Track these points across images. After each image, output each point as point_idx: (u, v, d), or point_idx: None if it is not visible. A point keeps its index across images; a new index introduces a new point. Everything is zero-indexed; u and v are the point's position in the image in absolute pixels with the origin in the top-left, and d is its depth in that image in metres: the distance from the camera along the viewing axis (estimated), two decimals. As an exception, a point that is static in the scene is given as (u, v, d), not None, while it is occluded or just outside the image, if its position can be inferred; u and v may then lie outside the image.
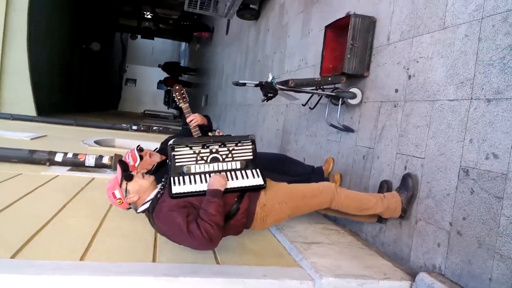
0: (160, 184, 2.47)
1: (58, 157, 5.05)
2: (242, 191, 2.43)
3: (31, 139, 7.72)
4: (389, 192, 2.68)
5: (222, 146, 2.50)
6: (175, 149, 2.44)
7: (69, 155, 5.10)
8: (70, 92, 17.30)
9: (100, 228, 2.80)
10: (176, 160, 2.44)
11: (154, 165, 3.24)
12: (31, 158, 5.00)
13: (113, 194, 2.38)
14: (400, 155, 2.79)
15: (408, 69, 2.80)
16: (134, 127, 11.49)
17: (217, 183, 2.29)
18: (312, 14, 4.67)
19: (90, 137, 8.69)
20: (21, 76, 11.79)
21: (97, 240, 2.57)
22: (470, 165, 2.18)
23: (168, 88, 21.73)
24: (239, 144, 2.52)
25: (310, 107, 3.96)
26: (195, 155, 2.46)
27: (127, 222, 2.94)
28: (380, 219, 2.84)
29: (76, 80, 18.20)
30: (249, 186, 2.43)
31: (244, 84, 3.32)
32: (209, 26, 14.96)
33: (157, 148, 3.61)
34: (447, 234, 2.29)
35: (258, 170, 2.51)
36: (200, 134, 3.22)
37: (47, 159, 5.03)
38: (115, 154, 5.20)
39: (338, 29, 3.55)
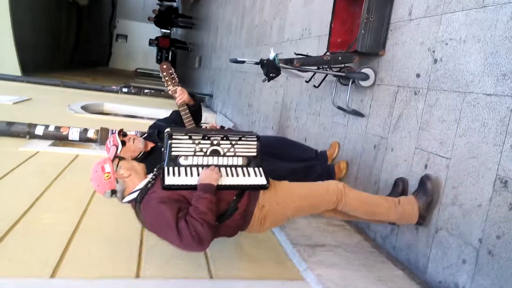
0: (151, 174, 2.17)
1: (39, 130, 4.68)
2: (241, 189, 2.13)
3: (14, 103, 7.27)
4: (404, 197, 2.36)
5: (225, 139, 2.18)
6: (173, 137, 2.12)
7: (51, 128, 4.72)
8: (57, 50, 16.58)
9: (78, 229, 2.48)
10: (173, 149, 2.12)
11: (140, 153, 2.90)
12: (9, 131, 4.63)
13: (102, 167, 2.10)
14: (419, 150, 2.45)
15: (434, 51, 2.41)
16: (124, 90, 11.01)
17: (208, 177, 2.01)
18: (318, -23, 4.19)
19: (77, 101, 8.24)
20: (3, 34, 11.12)
21: (73, 247, 2.25)
22: (509, 175, 1.86)
23: (161, 48, 20.85)
24: (242, 139, 2.20)
25: (314, 85, 3.58)
26: (194, 146, 2.15)
27: (109, 219, 2.63)
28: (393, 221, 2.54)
29: (63, 37, 17.42)
30: (250, 185, 2.13)
31: (243, 62, 2.92)
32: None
33: (145, 134, 3.26)
34: (475, 251, 2.00)
35: (261, 169, 2.19)
36: (189, 114, 2.92)
37: (27, 132, 4.65)
38: (101, 128, 4.82)
39: (350, -1, 3.12)
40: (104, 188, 2.09)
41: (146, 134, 3.21)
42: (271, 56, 2.86)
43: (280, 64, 2.83)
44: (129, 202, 2.09)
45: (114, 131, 4.80)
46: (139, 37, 29.20)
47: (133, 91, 11.02)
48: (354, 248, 2.66)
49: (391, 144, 2.72)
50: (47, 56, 15.25)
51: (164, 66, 2.96)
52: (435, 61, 2.39)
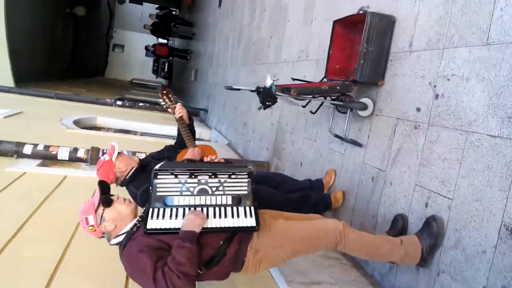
0: (139, 215, 2.06)
1: (27, 149, 4.55)
2: (230, 232, 2.00)
3: (4, 117, 7.14)
4: (407, 237, 2.25)
5: (213, 177, 2.06)
6: (158, 176, 2.01)
7: (40, 147, 4.60)
8: (53, 59, 16.45)
9: (60, 265, 2.35)
10: (158, 189, 2.01)
11: (132, 168, 2.80)
12: (-4, 150, 4.49)
13: (86, 219, 1.98)
14: (420, 188, 2.36)
15: (435, 86, 2.33)
16: (119, 103, 10.88)
17: (191, 223, 1.87)
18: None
19: (70, 115, 8.12)
20: (-3, 43, 11.01)
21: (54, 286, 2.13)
22: (515, 223, 1.77)
23: (158, 56, 20.60)
24: (232, 176, 2.08)
25: (311, 111, 3.49)
26: (180, 185, 2.02)
27: (93, 254, 2.50)
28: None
29: (59, 47, 17.31)
30: (238, 228, 1.99)
31: (238, 90, 2.83)
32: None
33: (135, 154, 3.17)
34: (479, 300, 1.90)
35: (252, 208, 2.06)
36: (187, 127, 3.11)
37: (15, 151, 4.52)
38: (92, 147, 4.70)
39: (348, 25, 3.05)
40: (91, 234, 2.02)
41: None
42: (268, 83, 2.78)
43: (277, 93, 2.75)
44: (116, 244, 1.99)
45: (105, 151, 4.69)
46: (135, 48, 29.21)
47: (127, 104, 10.90)
48: (352, 285, 2.56)
49: (390, 178, 2.63)
50: (42, 65, 15.12)
51: (164, 92, 3.15)
52: (436, 96, 2.31)
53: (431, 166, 2.29)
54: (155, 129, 8.54)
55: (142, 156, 3.87)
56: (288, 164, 4.32)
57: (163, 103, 3.11)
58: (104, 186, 2.10)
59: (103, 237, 2.04)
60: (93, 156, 4.65)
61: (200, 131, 8.30)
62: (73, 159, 4.67)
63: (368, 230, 2.40)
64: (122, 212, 2.01)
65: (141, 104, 11.07)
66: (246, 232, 2.02)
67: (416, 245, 2.18)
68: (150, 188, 2.01)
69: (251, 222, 2.01)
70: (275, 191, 3.06)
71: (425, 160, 2.34)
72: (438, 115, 2.28)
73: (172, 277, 1.71)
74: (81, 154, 4.66)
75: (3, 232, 2.61)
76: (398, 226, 2.44)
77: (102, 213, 1.97)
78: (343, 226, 2.15)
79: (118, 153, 2.78)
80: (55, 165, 4.78)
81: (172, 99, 3.11)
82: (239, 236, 2.01)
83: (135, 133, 8.45)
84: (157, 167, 2.04)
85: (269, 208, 2.83)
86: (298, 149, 4.13)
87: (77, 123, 7.70)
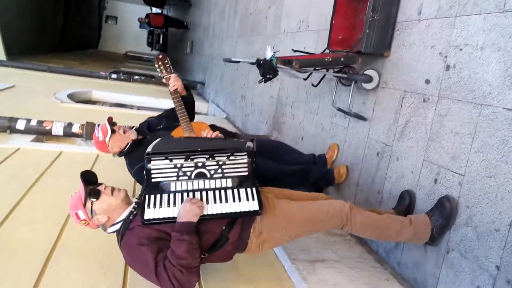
0: (134, 201, 1.96)
1: (20, 125, 4.43)
2: (232, 217, 1.92)
3: (-4, 91, 6.97)
4: (417, 217, 2.17)
5: (211, 159, 1.94)
6: (152, 161, 1.89)
7: (33, 122, 4.47)
8: (44, 32, 16.10)
9: (57, 246, 2.27)
10: (153, 176, 1.90)
11: (127, 143, 2.72)
12: (-12, 125, 4.36)
13: (76, 214, 1.89)
14: (428, 163, 2.27)
15: (446, 56, 2.21)
16: (114, 76, 10.67)
17: (187, 213, 1.78)
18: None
19: (64, 89, 7.94)
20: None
21: (51, 270, 2.05)
22: (532, 201, 1.69)
23: (153, 27, 20.14)
24: (231, 157, 1.96)
25: (312, 84, 3.37)
26: (176, 170, 1.91)
27: (92, 232, 2.41)
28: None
29: (50, 19, 16.90)
30: (240, 213, 1.90)
31: (237, 62, 2.70)
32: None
33: (134, 127, 3.06)
34: (491, 279, 1.84)
35: (254, 189, 1.96)
36: (182, 102, 2.87)
37: (7, 127, 4.40)
38: (87, 122, 4.58)
39: (352, -7, 2.90)
40: (86, 227, 1.95)
41: (135, 128, 3.02)
42: (268, 56, 2.65)
43: (278, 65, 2.62)
44: (113, 232, 1.91)
45: (100, 126, 4.57)
46: (129, 19, 28.56)
47: (122, 77, 10.69)
48: (356, 263, 2.50)
49: (396, 153, 2.54)
50: (33, 39, 14.80)
51: (160, 57, 2.91)
52: (448, 67, 2.19)
53: (441, 141, 2.19)
54: (152, 102, 8.38)
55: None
56: (288, 138, 4.22)
57: (158, 70, 2.91)
58: (88, 177, 1.95)
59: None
60: (88, 131, 4.53)
61: (197, 104, 8.12)
62: (68, 134, 4.56)
63: (375, 209, 2.32)
64: (112, 203, 1.90)
65: (136, 77, 10.87)
66: (248, 216, 1.93)
67: (426, 226, 2.10)
68: (144, 172, 1.90)
69: (254, 205, 1.91)
70: (278, 166, 2.96)
71: (434, 134, 2.25)
72: (449, 87, 2.17)
73: (174, 272, 1.65)
74: (76, 129, 4.55)
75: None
76: (405, 203, 2.37)
77: (91, 206, 1.87)
78: (350, 208, 2.06)
79: (113, 130, 2.68)
80: (49, 140, 4.67)
81: (167, 67, 2.88)
82: (241, 219, 1.93)
83: (131, 107, 8.30)
84: (149, 149, 1.91)
85: (271, 183, 2.75)
86: (299, 123, 4.02)
87: (71, 97, 7.53)
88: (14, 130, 4.40)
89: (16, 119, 4.43)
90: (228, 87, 7.23)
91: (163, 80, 2.92)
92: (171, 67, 2.92)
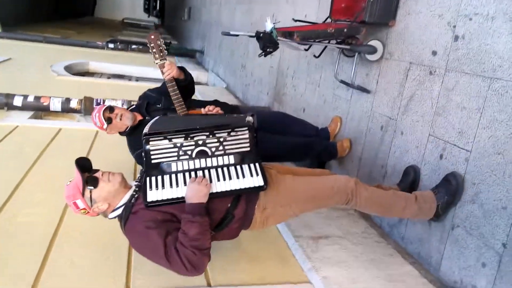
0: (134, 184, 1.92)
1: (17, 101, 4.36)
2: (237, 194, 1.89)
3: (-8, 65, 6.87)
4: (422, 193, 2.13)
5: (211, 136, 1.89)
6: (150, 141, 1.84)
7: (30, 98, 4.40)
8: (39, 1, 15.70)
9: (59, 230, 2.26)
10: (152, 156, 1.85)
11: (127, 127, 2.66)
12: (-16, 102, 4.30)
13: (75, 204, 1.80)
14: (434, 138, 2.21)
15: (454, 26, 2.12)
16: (111, 45, 10.49)
17: (196, 194, 1.73)
18: None
19: (60, 60, 7.81)
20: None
21: (54, 256, 2.04)
22: (542, 179, 1.64)
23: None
24: (232, 133, 1.90)
25: (314, 55, 3.27)
26: (176, 150, 1.86)
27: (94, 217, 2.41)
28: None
29: (44, -13, 16.48)
30: (245, 189, 1.87)
31: (237, 35, 2.60)
32: None
33: (133, 105, 2.98)
34: (497, 256, 1.82)
35: (257, 164, 1.92)
36: (177, 91, 2.62)
37: (4, 104, 4.34)
38: (85, 97, 4.51)
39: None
40: (86, 216, 1.89)
41: (134, 106, 2.94)
42: (268, 28, 2.56)
43: (278, 38, 2.53)
44: (115, 217, 1.87)
45: (98, 101, 4.50)
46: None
47: (120, 47, 10.51)
48: (360, 238, 2.49)
49: (401, 127, 2.49)
50: (28, 7, 14.46)
51: (152, 37, 2.59)
52: (456, 38, 2.10)
53: (448, 116, 2.13)
54: (151, 72, 8.22)
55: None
56: (290, 109, 4.14)
57: (151, 52, 2.58)
58: (83, 164, 1.86)
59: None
60: (87, 106, 4.47)
61: (196, 74, 7.99)
62: (66, 109, 4.50)
63: (380, 185, 2.29)
64: (111, 190, 1.83)
65: (134, 46, 10.67)
66: (253, 192, 1.90)
67: (431, 202, 2.06)
68: (143, 154, 1.85)
69: (258, 181, 1.87)
70: (280, 140, 2.91)
71: (440, 108, 2.18)
72: (457, 59, 2.09)
73: (187, 254, 1.62)
74: (74, 104, 4.48)
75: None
76: (410, 178, 2.33)
77: (90, 194, 1.79)
78: (355, 184, 2.01)
79: (110, 120, 2.56)
80: (48, 116, 4.61)
81: (161, 49, 2.56)
82: (245, 196, 1.90)
83: (129, 78, 8.18)
84: (146, 129, 1.84)
85: (274, 157, 2.70)
86: (301, 95, 3.94)
87: (68, 69, 7.42)
88: (11, 107, 4.34)
89: (13, 96, 4.36)
90: (228, 57, 7.09)
91: (157, 67, 2.61)
92: (165, 50, 2.62)
